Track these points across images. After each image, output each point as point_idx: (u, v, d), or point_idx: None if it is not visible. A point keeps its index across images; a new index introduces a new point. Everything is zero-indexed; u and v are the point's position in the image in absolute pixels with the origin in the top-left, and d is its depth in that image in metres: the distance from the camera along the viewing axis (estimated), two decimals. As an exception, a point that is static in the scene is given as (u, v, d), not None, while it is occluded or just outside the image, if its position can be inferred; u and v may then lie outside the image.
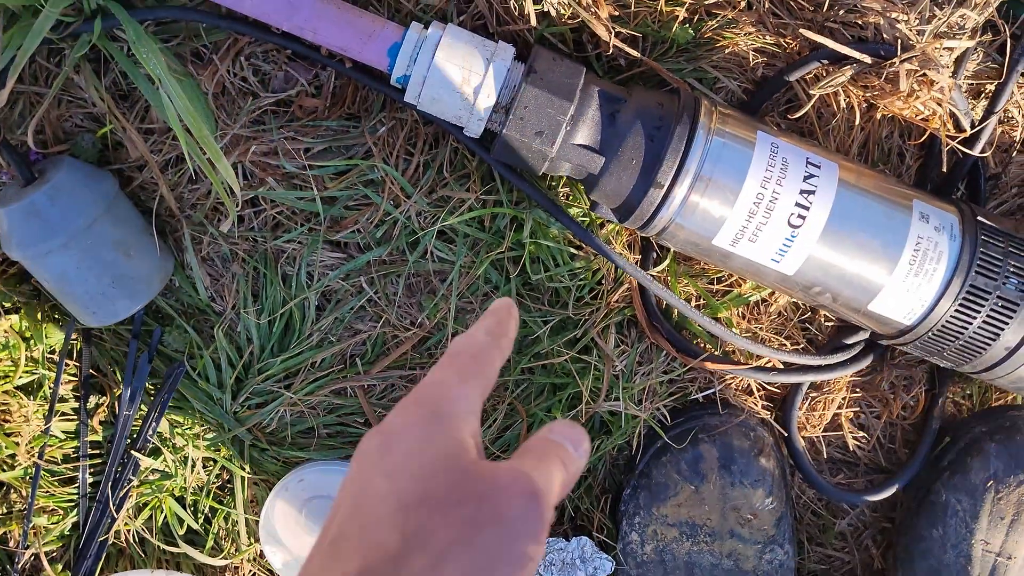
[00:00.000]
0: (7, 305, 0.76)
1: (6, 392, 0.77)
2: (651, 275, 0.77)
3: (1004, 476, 0.78)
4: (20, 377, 0.77)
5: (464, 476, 0.39)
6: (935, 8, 0.70)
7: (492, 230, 0.75)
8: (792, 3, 0.71)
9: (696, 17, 0.72)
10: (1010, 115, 0.76)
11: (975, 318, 0.68)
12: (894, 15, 0.70)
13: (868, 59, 0.70)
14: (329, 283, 0.77)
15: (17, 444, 0.78)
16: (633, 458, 0.82)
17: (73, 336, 0.78)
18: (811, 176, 0.67)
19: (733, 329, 0.78)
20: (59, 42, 0.69)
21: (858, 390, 0.81)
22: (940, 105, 0.70)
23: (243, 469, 0.81)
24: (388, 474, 0.38)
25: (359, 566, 0.36)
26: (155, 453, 0.81)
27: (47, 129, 0.71)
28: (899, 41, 0.69)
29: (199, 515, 0.83)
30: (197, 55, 0.71)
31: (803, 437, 0.82)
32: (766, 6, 0.72)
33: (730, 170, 0.66)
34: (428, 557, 0.36)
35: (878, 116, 0.74)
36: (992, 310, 0.68)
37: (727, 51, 0.73)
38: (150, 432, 0.78)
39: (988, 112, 0.74)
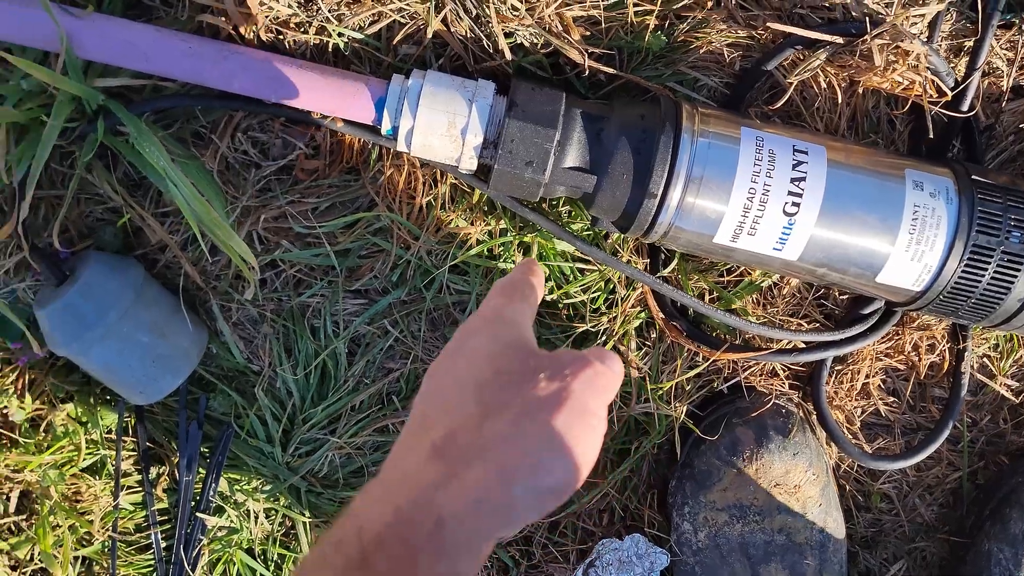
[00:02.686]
0: (61, 395, 0.81)
1: (74, 475, 0.82)
2: (662, 276, 0.79)
3: (1042, 525, 0.81)
4: (84, 460, 0.82)
5: (529, 356, 0.44)
6: (900, -22, 0.71)
7: (502, 256, 0.78)
8: (758, -5, 0.73)
9: (667, 23, 0.74)
10: (995, 66, 0.77)
11: (983, 276, 0.69)
12: (860, -8, 0.71)
13: (840, 39, 0.71)
14: (356, 329, 0.80)
15: (91, 522, 0.83)
16: (675, 452, 0.84)
17: (126, 414, 0.82)
18: (800, 163, 0.68)
19: (749, 317, 0.79)
20: (68, 146, 0.73)
21: (883, 357, 0.82)
22: (918, 73, 0.71)
23: (303, 515, 0.85)
24: (464, 363, 0.44)
25: (444, 433, 0.40)
26: (219, 511, 0.85)
27: (71, 228, 0.76)
28: (868, 18, 0.70)
29: (269, 563, 0.87)
30: (198, 135, 0.75)
31: (834, 408, 0.83)
32: (734, 2, 0.73)
33: (719, 169, 0.67)
34: (507, 419, 0.41)
35: (860, 90, 0.75)
36: (999, 266, 0.69)
37: (702, 51, 0.74)
38: (211, 493, 0.83)
39: (970, 69, 0.74)
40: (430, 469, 0.39)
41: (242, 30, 0.70)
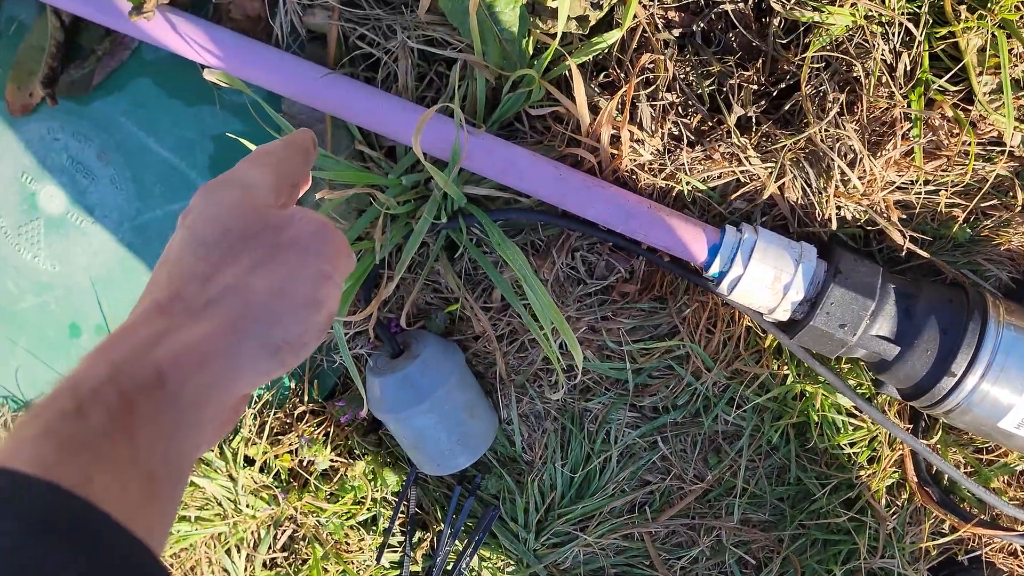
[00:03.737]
0: (358, 453, 0.89)
1: (350, 527, 0.89)
2: (926, 444, 0.84)
3: None
4: (361, 515, 0.89)
5: (258, 213, 0.42)
6: None
7: (779, 399, 0.84)
8: (1065, 208, 0.80)
9: (972, 217, 0.81)
10: None
11: None
12: None
13: None
14: (629, 441, 0.87)
15: (359, 572, 0.90)
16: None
17: (400, 479, 0.90)
18: (1093, 368, 0.74)
19: (1003, 497, 0.84)
20: (424, 237, 0.82)
21: (1120, 557, 0.86)
22: None
23: (538, 601, 0.90)
24: (187, 226, 0.41)
25: (168, 292, 0.39)
26: (464, 584, 0.91)
27: (410, 308, 0.84)
28: None
29: (497, 641, 0.92)
30: (534, 247, 0.84)
31: (1065, 598, 0.87)
32: (1039, 209, 0.80)
33: (1020, 361, 0.73)
34: (234, 274, 0.39)
35: None
36: None
37: (1002, 247, 0.81)
38: (464, 565, 0.89)
39: None
40: (150, 325, 0.37)
41: (604, 166, 0.79)
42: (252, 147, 0.74)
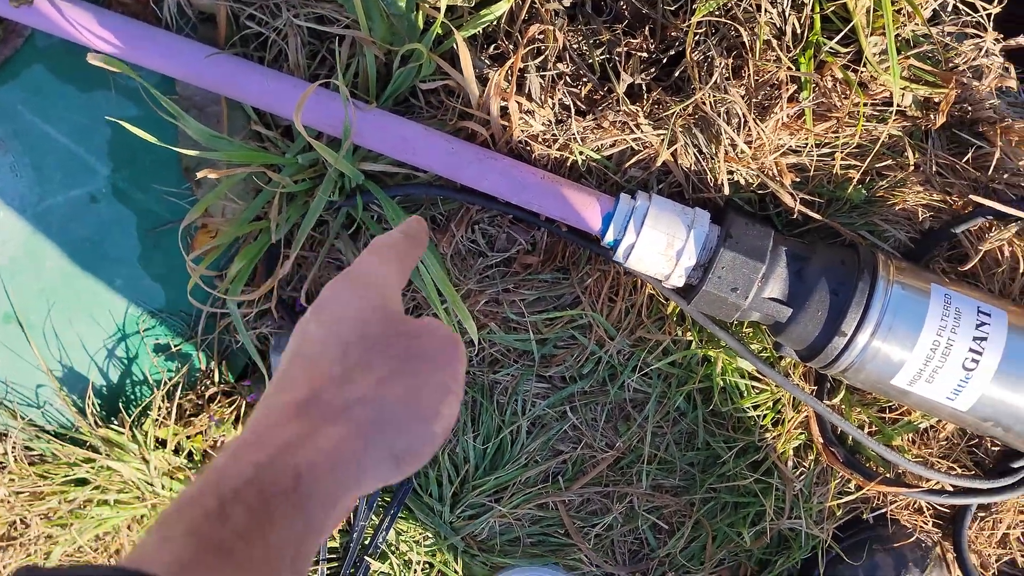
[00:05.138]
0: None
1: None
2: (829, 405, 0.85)
3: None
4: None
5: (395, 321, 0.45)
6: (1091, 169, 0.78)
7: (683, 365, 0.85)
8: (957, 166, 0.80)
9: (868, 178, 0.82)
10: None
11: None
12: (1053, 178, 0.78)
13: (1031, 217, 0.78)
14: (539, 411, 0.87)
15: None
16: (806, 568, 0.89)
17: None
18: (982, 324, 0.74)
19: (906, 455, 0.85)
20: (323, 215, 0.82)
21: (1025, 510, 0.87)
22: (1100, 257, 0.78)
23: (456, 573, 0.91)
24: (326, 323, 0.44)
25: (306, 393, 0.41)
26: (383, 557, 0.92)
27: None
28: (1059, 201, 0.77)
29: (419, 613, 0.93)
30: (434, 221, 0.84)
31: (972, 552, 0.88)
32: (933, 169, 0.81)
33: (908, 319, 0.74)
34: (370, 380, 0.42)
35: (1039, 262, 0.81)
36: None
37: (897, 207, 0.82)
38: (380, 539, 0.90)
39: None
40: (291, 427, 0.39)
41: (497, 138, 0.79)
42: (144, 135, 0.74)
